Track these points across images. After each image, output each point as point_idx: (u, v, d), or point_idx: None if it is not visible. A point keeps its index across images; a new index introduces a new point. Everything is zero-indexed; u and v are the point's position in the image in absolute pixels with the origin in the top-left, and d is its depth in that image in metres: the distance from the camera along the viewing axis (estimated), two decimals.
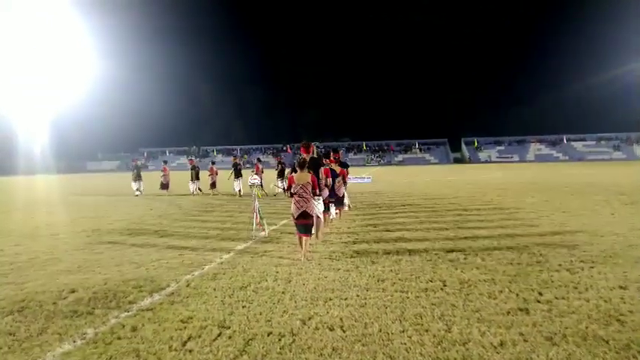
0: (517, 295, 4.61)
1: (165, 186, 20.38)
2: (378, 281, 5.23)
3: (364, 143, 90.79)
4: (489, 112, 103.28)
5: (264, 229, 8.66)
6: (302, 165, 6.88)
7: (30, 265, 6.48)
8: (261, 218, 8.60)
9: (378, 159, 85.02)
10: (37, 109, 69.52)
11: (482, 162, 76.17)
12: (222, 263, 6.34)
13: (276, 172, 19.44)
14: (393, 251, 6.84)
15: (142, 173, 21.26)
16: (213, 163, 21.26)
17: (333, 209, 9.50)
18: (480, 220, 9.92)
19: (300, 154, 7.55)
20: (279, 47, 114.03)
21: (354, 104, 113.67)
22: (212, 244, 7.82)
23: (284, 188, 18.24)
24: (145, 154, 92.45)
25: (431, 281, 5.19)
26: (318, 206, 7.30)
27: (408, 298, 4.60)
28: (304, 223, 6.62)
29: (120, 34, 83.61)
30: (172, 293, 4.94)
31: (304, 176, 6.73)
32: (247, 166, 67.99)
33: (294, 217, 6.72)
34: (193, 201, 16.63)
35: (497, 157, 79.41)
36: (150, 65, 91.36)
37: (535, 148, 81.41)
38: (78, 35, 68.70)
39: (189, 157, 24.48)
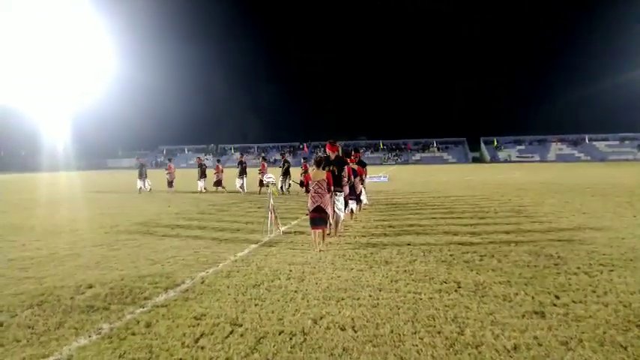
0: (533, 298, 4.53)
1: (170, 184, 20.73)
2: (391, 281, 5.20)
3: (381, 142, 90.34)
4: (509, 110, 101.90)
5: (278, 227, 8.70)
6: (318, 163, 7.52)
7: (50, 260, 6.63)
8: (275, 216, 8.65)
9: (395, 158, 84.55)
10: (59, 108, 71.08)
11: (502, 162, 75.02)
12: (236, 261, 6.39)
13: (281, 170, 19.30)
14: (407, 251, 6.80)
15: (151, 171, 21.58)
16: (218, 161, 21.68)
17: (354, 205, 9.87)
18: (498, 220, 9.79)
19: (326, 152, 8.18)
20: (296, 46, 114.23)
21: (371, 102, 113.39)
22: (227, 242, 7.88)
23: (282, 187, 18.49)
24: (164, 152, 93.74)
25: (445, 282, 5.13)
26: (338, 204, 7.99)
27: (421, 299, 4.56)
28: (318, 216, 7.12)
29: (139, 34, 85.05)
30: (187, 290, 5.00)
31: (320, 173, 7.28)
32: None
33: (309, 210, 7.24)
34: (210, 199, 16.79)
35: (517, 157, 78.15)
36: (168, 64, 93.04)
37: (556, 147, 79.89)
38: (98, 35, 69.95)
39: (197, 156, 24.97)
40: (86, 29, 67.07)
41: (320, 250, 7.02)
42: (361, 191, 10.61)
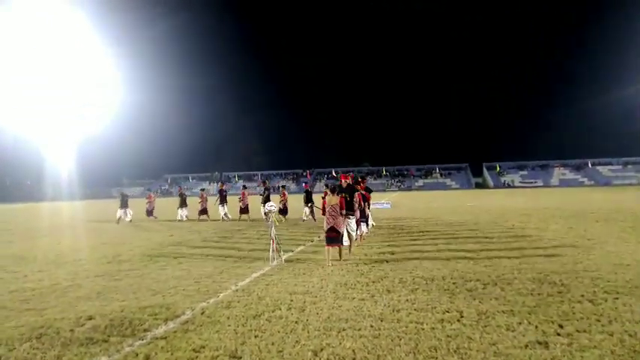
0: (536, 327, 4.46)
1: (150, 212, 21.03)
2: (393, 311, 5.14)
3: (384, 168, 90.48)
4: (511, 136, 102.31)
5: (280, 256, 8.66)
6: (333, 190, 8.75)
7: (51, 292, 6.61)
8: (278, 245, 8.63)
9: (398, 184, 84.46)
10: (64, 136, 71.80)
11: (505, 187, 74.82)
12: (237, 290, 6.34)
13: (262, 197, 18.98)
14: (410, 280, 6.74)
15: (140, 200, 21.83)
16: (202, 189, 22.01)
17: (364, 227, 11.05)
18: (501, 247, 9.71)
19: (339, 180, 9.85)
20: (301, 74, 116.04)
21: (374, 129, 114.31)
22: (229, 271, 7.84)
23: (265, 213, 18.45)
24: (169, 180, 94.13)
25: (447, 312, 5.07)
26: (351, 224, 9.29)
27: (423, 329, 4.50)
28: (333, 236, 8.39)
29: (144, 62, 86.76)
30: (187, 321, 4.95)
31: (334, 199, 8.55)
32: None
33: (325, 230, 8.49)
34: (212, 227, 16.77)
35: (520, 182, 77.94)
36: (174, 92, 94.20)
37: (559, 172, 79.73)
38: (104, 63, 71.30)
39: (178, 185, 25.61)
40: (93, 57, 68.34)
41: (329, 266, 8.09)
42: (369, 215, 11.82)
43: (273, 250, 8.52)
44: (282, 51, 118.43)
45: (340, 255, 8.69)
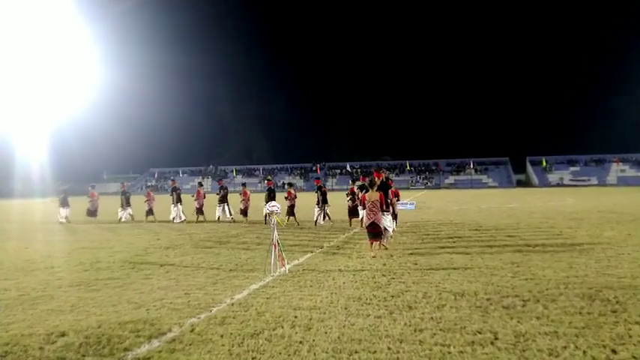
0: (585, 352, 4.44)
1: (92, 213, 21.75)
2: (415, 331, 5.15)
3: (407, 162, 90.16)
4: (561, 125, 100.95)
5: (283, 265, 8.70)
6: (372, 185, 10.48)
7: (19, 303, 6.73)
8: (281, 251, 8.66)
9: (425, 181, 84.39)
10: (36, 124, 72.37)
11: (553, 185, 74.23)
12: (232, 304, 6.40)
13: (218, 197, 20.25)
14: (435, 294, 6.74)
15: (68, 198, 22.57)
16: (148, 187, 22.34)
17: (393, 224, 12.37)
18: (545, 257, 9.65)
19: (373, 177, 11.18)
20: (308, 53, 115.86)
21: (396, 116, 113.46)
22: (223, 282, 7.92)
23: (219, 217, 19.90)
24: (156, 175, 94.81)
25: (479, 333, 5.06)
26: (386, 221, 10.80)
27: (449, 352, 4.50)
28: (373, 231, 10.07)
29: (129, 39, 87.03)
30: (174, 339, 5.01)
31: (374, 195, 10.23)
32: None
33: (365, 226, 10.31)
34: (205, 231, 16.91)
35: (570, 180, 77.37)
36: (163, 74, 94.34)
37: (617, 168, 78.85)
38: (82, 41, 71.61)
39: (122, 182, 26.01)
40: (66, 33, 68.38)
41: (373, 257, 9.76)
42: (397, 214, 14.12)
43: (275, 258, 8.56)
44: (286, 24, 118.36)
45: (380, 246, 10.49)
